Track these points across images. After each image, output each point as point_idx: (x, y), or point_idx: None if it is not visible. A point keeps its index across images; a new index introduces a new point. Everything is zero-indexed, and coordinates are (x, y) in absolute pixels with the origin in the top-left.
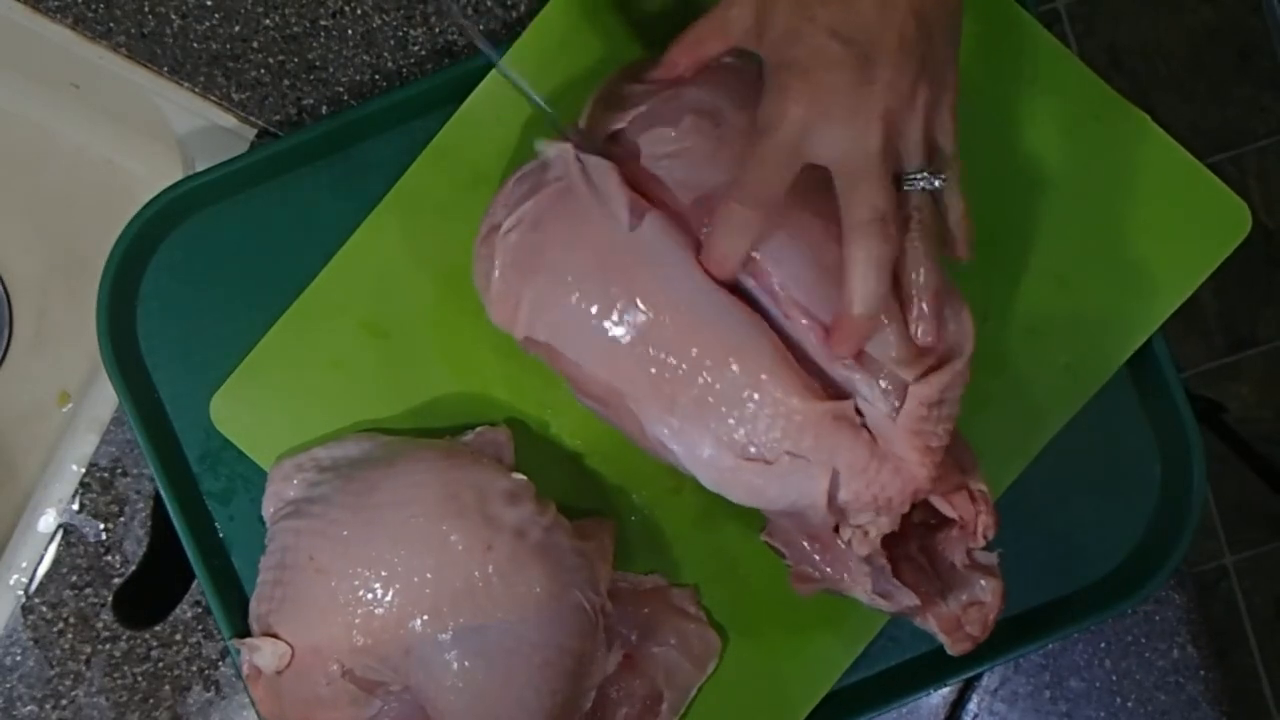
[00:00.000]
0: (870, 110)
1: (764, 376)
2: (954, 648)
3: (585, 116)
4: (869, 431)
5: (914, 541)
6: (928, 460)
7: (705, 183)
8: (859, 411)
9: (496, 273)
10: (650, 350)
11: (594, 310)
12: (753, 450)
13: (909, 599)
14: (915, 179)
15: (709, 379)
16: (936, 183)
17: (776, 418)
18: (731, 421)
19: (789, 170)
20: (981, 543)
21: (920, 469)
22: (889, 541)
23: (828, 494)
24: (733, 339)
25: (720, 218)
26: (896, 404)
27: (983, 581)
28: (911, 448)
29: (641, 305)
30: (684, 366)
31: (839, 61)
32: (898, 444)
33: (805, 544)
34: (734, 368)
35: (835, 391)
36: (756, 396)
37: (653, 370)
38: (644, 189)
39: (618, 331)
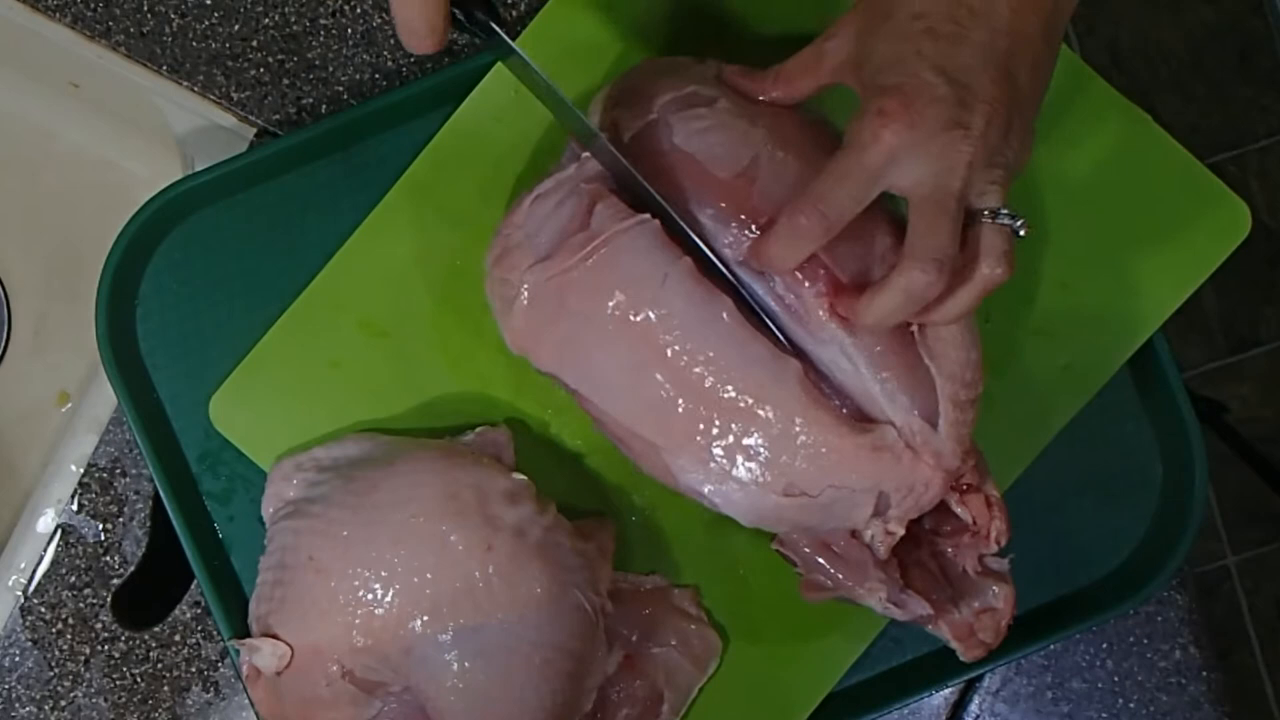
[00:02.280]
0: (959, 154)
1: (799, 421)
2: (967, 654)
3: (596, 118)
4: (908, 445)
5: (925, 548)
6: (962, 452)
7: (741, 158)
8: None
9: (519, 307)
10: (680, 406)
11: (624, 367)
12: (795, 489)
13: (922, 608)
14: (1001, 212)
15: (743, 428)
16: (1021, 230)
17: (815, 459)
18: (770, 468)
19: (866, 193)
20: (994, 548)
21: (956, 459)
22: (901, 549)
23: (874, 510)
24: (763, 387)
25: (784, 221)
26: (919, 412)
27: (994, 588)
28: (952, 440)
29: (672, 363)
30: (717, 420)
31: (941, 98)
32: (940, 443)
33: (817, 554)
34: (768, 416)
35: (866, 411)
36: (794, 442)
37: (684, 425)
38: (680, 170)
39: (647, 389)
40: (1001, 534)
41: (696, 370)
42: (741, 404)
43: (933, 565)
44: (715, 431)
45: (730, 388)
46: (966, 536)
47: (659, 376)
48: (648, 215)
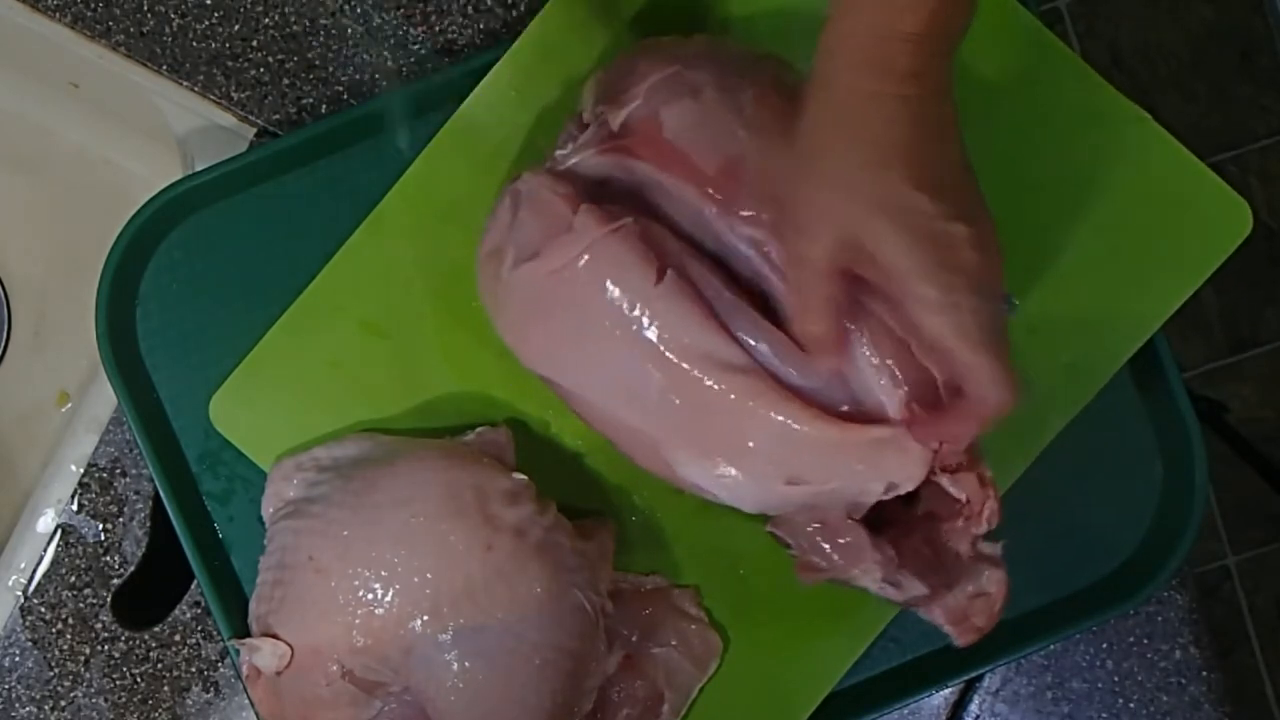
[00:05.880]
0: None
1: (799, 417)
2: (960, 639)
3: (588, 106)
4: (908, 431)
5: (919, 534)
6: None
7: (729, 151)
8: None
9: (509, 303)
10: (676, 402)
11: (616, 364)
12: (799, 479)
13: (918, 588)
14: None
15: (741, 424)
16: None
17: (817, 453)
18: (772, 461)
19: None
20: (985, 528)
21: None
22: (895, 535)
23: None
24: (755, 388)
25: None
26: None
27: (988, 572)
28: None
29: (665, 361)
30: (714, 416)
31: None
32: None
33: (814, 535)
34: (766, 413)
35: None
36: (795, 436)
37: (680, 420)
38: (669, 160)
39: (641, 387)
40: (993, 514)
41: (690, 370)
42: (737, 402)
43: (926, 551)
44: (713, 427)
45: (725, 386)
46: (960, 521)
47: (654, 374)
48: (629, 219)
